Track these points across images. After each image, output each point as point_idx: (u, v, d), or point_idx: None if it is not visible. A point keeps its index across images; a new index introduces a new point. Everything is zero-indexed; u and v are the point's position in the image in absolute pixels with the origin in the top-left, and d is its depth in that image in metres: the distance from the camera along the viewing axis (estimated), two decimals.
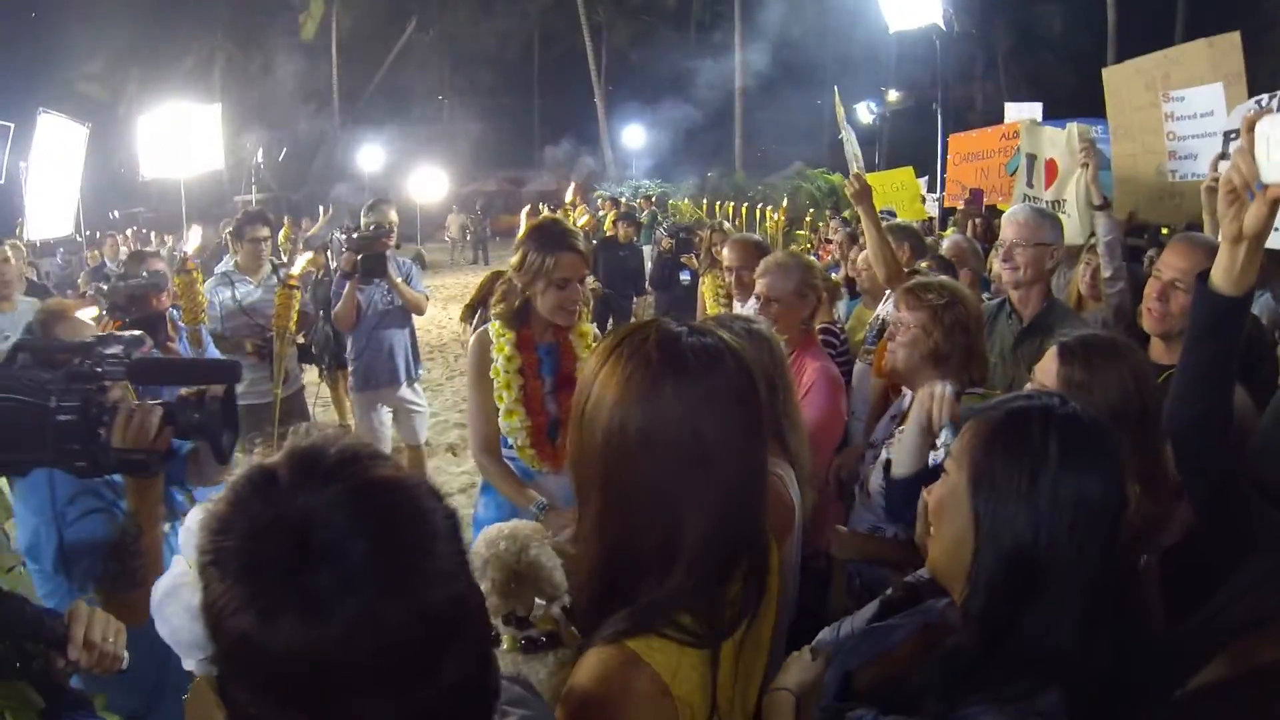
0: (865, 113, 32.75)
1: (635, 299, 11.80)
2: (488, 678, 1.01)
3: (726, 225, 8.89)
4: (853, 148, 4.86)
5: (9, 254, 5.77)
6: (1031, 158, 5.95)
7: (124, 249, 15.87)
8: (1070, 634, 1.45)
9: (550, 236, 3.24)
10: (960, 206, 9.95)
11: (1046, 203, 5.47)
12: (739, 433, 1.45)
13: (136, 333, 2.29)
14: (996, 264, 4.00)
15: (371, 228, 6.35)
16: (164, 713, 2.55)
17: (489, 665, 1.02)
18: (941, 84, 22.10)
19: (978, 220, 8.75)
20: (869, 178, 4.81)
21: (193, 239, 4.57)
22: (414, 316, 6.70)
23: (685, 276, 9.37)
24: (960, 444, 1.59)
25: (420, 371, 6.87)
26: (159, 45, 33.42)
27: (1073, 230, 5.06)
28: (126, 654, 1.86)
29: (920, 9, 18.66)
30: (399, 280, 6.29)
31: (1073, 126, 5.52)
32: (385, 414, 6.72)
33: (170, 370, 2.62)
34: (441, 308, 18.15)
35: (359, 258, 5.98)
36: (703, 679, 1.41)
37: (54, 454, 2.04)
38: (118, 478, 2.60)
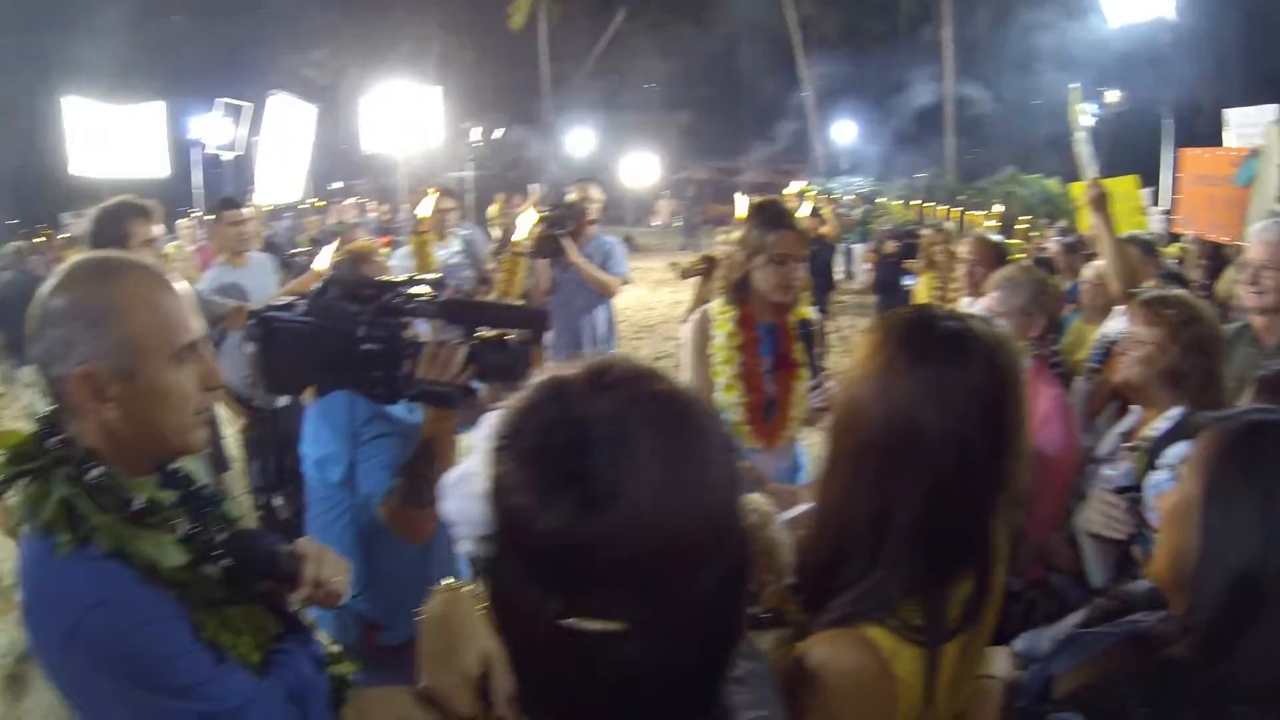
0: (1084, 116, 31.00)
1: (827, 293, 11.62)
2: (739, 608, 1.02)
3: (948, 225, 8.67)
4: (1088, 150, 4.66)
5: (245, 215, 6.28)
6: None
7: (348, 215, 16.86)
8: None
9: (771, 214, 3.38)
10: (1189, 233, 9.25)
11: None
12: (965, 428, 1.48)
13: (439, 275, 2.47)
14: (1237, 287, 3.73)
15: (567, 207, 6.52)
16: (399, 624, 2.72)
17: (741, 595, 1.02)
18: (1169, 84, 20.64)
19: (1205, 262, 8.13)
20: None
21: (425, 204, 4.78)
22: (619, 295, 6.82)
23: (908, 281, 9.16)
24: (1195, 452, 1.55)
25: (614, 351, 6.95)
26: (376, 34, 35.21)
27: None
28: (346, 593, 1.95)
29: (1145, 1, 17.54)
30: (581, 261, 6.38)
31: None
32: None
33: (480, 312, 2.72)
34: (651, 290, 18.51)
35: (538, 236, 6.17)
36: (923, 672, 1.46)
37: (357, 379, 2.25)
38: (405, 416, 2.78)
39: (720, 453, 0.96)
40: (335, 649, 2.04)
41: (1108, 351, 4.34)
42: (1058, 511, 3.19)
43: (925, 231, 8.80)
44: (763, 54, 39.19)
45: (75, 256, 1.79)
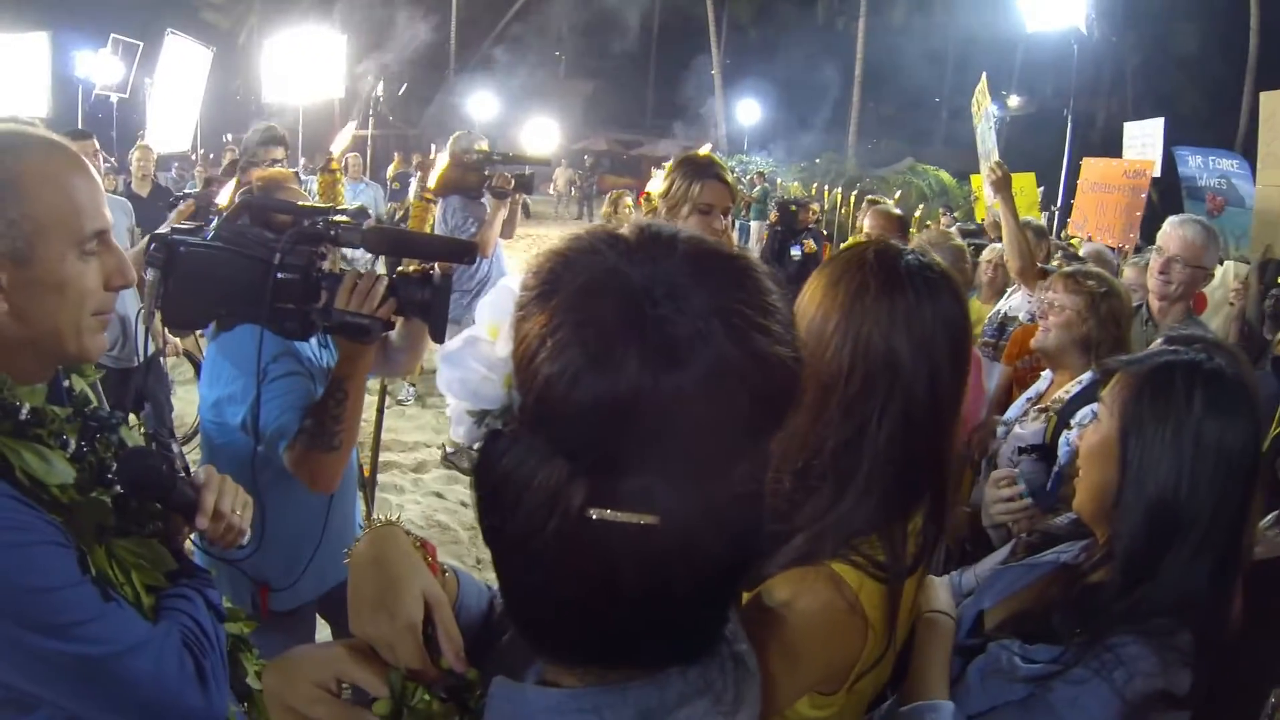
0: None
1: None
2: (763, 514, 0.90)
3: (888, 202, 8.73)
4: (992, 137, 4.86)
5: (91, 148, 6.07)
6: None
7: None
8: (1202, 580, 1.53)
9: (698, 166, 3.31)
10: (1079, 236, 9.62)
11: None
12: (935, 358, 1.47)
13: (362, 204, 2.28)
14: (1128, 271, 3.97)
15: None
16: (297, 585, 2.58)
17: (765, 502, 0.89)
18: (1074, 93, 21.43)
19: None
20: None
21: (341, 138, 4.48)
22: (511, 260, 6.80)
23: (795, 252, 9.25)
24: (1111, 393, 1.68)
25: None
26: None
27: None
28: (249, 530, 1.76)
29: (1062, 10, 18.16)
30: (489, 202, 6.15)
31: None
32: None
33: (406, 242, 2.50)
34: None
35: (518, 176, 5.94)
36: (885, 608, 1.44)
37: (269, 312, 2.06)
38: (314, 357, 2.62)
39: (786, 319, 0.82)
40: (229, 604, 1.80)
41: (1003, 327, 4.78)
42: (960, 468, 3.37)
43: (814, 206, 8.94)
44: (674, 30, 39.26)
45: None
